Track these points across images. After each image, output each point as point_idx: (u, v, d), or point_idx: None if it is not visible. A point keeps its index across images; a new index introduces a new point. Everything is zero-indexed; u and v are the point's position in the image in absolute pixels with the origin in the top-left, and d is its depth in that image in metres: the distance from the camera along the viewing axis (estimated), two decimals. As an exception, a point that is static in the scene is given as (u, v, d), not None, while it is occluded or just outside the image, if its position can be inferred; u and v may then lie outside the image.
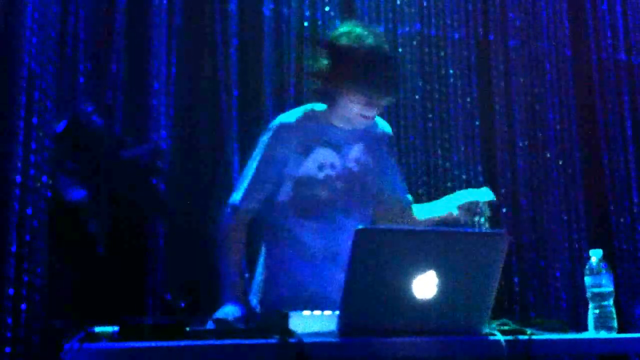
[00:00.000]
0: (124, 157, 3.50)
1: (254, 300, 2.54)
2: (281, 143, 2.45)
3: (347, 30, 2.42)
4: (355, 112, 2.39)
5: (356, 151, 2.52)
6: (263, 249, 2.57)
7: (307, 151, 2.46)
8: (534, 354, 1.81)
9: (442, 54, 4.38)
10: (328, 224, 2.43)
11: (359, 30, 2.40)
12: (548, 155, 4.50)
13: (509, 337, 1.83)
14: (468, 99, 4.39)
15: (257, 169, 2.46)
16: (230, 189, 3.75)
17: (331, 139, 2.48)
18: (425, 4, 4.38)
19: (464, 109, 4.37)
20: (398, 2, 4.32)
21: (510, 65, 4.51)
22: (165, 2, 3.82)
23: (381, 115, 2.58)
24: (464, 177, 4.31)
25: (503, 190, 4.39)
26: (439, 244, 1.79)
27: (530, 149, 4.48)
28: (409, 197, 2.68)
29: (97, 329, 1.69)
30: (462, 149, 4.33)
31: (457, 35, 4.42)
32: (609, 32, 4.72)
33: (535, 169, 4.47)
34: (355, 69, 2.32)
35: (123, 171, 3.49)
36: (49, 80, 3.45)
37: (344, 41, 2.38)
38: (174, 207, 3.67)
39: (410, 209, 2.66)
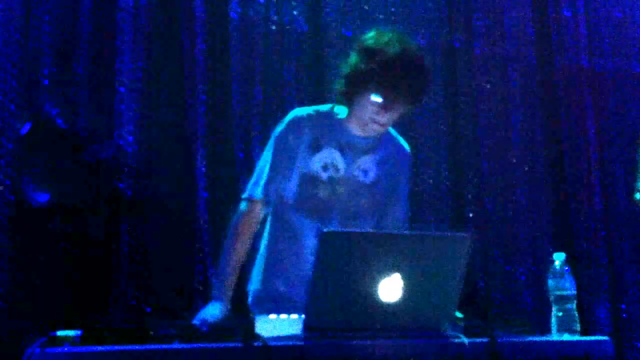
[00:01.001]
0: (88, 159, 3.47)
1: (251, 290, 2.55)
2: (293, 134, 2.45)
3: (378, 33, 2.44)
4: (370, 115, 2.37)
5: (366, 161, 2.50)
6: (265, 241, 2.57)
7: (315, 149, 2.46)
8: (497, 355, 1.82)
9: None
10: (326, 225, 2.43)
11: (390, 35, 2.41)
12: (513, 159, 4.54)
13: (473, 339, 1.84)
14: (434, 103, 4.41)
15: (273, 160, 2.46)
16: (196, 192, 3.77)
17: (341, 141, 2.47)
18: (392, 9, 4.41)
19: (430, 113, 4.40)
20: (365, 7, 4.34)
21: (475, 70, 4.55)
22: (131, 4, 3.79)
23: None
24: (430, 180, 4.33)
25: (469, 194, 4.42)
26: (404, 247, 1.80)
27: (495, 152, 4.52)
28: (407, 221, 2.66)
29: (59, 333, 1.67)
30: (428, 152, 4.36)
31: (423, 42, 4.45)
32: (572, 38, 4.79)
33: (500, 173, 4.51)
34: (376, 66, 2.31)
35: (87, 174, 3.46)
36: (12, 82, 3.41)
37: (371, 42, 2.40)
38: (139, 210, 3.64)
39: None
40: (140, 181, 3.65)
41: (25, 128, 3.27)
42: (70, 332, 1.69)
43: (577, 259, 4.43)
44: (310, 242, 2.43)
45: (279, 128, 2.50)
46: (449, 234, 1.90)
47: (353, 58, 2.43)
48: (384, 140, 2.54)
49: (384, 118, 2.38)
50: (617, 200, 4.67)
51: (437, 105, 4.42)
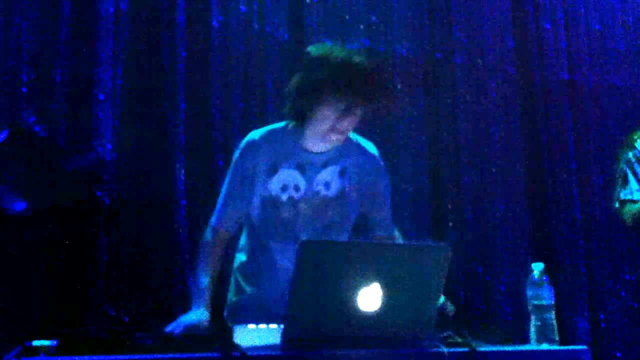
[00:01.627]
0: (66, 168, 3.45)
1: (227, 302, 2.54)
2: (248, 160, 2.42)
3: (319, 45, 2.45)
4: (330, 124, 2.33)
5: (327, 174, 2.46)
6: (241, 255, 2.56)
7: (272, 170, 2.43)
8: (477, 366, 1.82)
9: (390, 69, 4.42)
10: (291, 244, 2.39)
11: (329, 45, 2.43)
12: (492, 169, 4.56)
13: (452, 349, 1.84)
14: (414, 114, 4.43)
15: (229, 188, 2.45)
16: (175, 201, 3.75)
17: (299, 160, 2.43)
18: (374, 20, 4.42)
19: (411, 125, 4.41)
20: (347, 17, 4.35)
21: (456, 82, 4.58)
22: (112, 12, 3.78)
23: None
24: (410, 190, 4.34)
25: (449, 205, 4.43)
26: (383, 257, 1.80)
27: (475, 163, 4.54)
28: (395, 232, 2.62)
29: (35, 343, 1.65)
30: (409, 163, 4.37)
31: (404, 52, 4.47)
32: (552, 51, 4.83)
33: (480, 183, 4.53)
34: (327, 73, 2.28)
35: (65, 182, 3.43)
36: (-10, 89, 3.38)
37: (316, 52, 2.38)
38: (117, 219, 3.61)
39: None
40: (118, 189, 3.63)
41: (2, 136, 3.25)
42: (46, 342, 1.67)
43: (555, 269, 4.45)
44: (282, 263, 2.41)
45: (236, 154, 2.48)
46: (428, 244, 1.91)
47: (302, 72, 2.39)
48: (345, 149, 2.48)
49: (344, 124, 2.34)
50: (596, 211, 4.71)
51: (418, 116, 4.43)
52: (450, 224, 4.40)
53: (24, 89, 3.53)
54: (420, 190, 4.37)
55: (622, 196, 2.97)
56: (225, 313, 2.56)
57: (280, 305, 2.25)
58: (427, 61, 4.53)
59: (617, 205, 3.00)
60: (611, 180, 3.09)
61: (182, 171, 3.78)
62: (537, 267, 2.10)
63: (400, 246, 1.90)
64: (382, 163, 2.56)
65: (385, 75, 2.49)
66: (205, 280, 2.37)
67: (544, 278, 2.08)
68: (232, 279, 2.57)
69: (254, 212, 2.46)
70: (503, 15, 4.73)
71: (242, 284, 2.52)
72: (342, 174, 2.47)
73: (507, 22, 4.74)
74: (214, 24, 4.02)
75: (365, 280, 1.76)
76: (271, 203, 2.43)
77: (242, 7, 4.09)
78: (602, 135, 4.81)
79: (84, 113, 3.67)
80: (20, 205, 3.14)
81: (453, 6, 4.61)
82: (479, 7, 4.67)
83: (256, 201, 2.44)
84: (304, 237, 2.41)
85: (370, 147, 2.56)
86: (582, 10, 4.91)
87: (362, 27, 4.38)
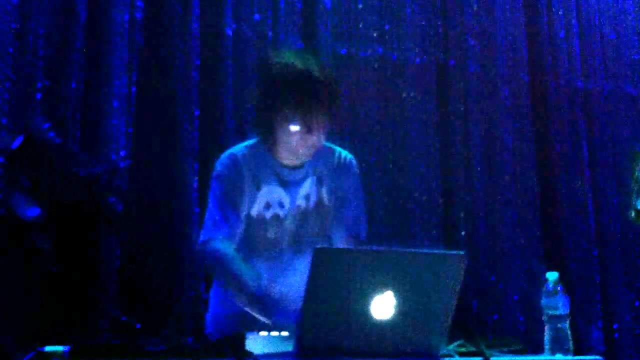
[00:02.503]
0: (81, 175, 3.46)
1: (210, 312, 2.50)
2: (235, 174, 2.36)
3: (276, 58, 2.37)
4: (297, 141, 2.29)
5: (306, 187, 2.41)
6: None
7: (256, 188, 2.37)
8: (490, 375, 1.81)
9: (403, 77, 4.42)
10: (277, 264, 2.37)
11: (287, 55, 2.35)
12: (505, 178, 4.55)
13: (466, 359, 1.83)
14: (427, 123, 4.42)
15: (224, 196, 2.36)
16: (188, 209, 3.75)
17: (280, 176, 2.39)
18: (387, 27, 4.42)
19: (423, 132, 4.40)
20: (360, 26, 4.35)
21: (469, 90, 4.57)
22: (126, 19, 3.80)
23: (333, 139, 2.46)
24: (423, 199, 4.33)
25: (461, 213, 4.42)
26: (397, 264, 1.79)
27: (488, 172, 4.52)
28: (362, 234, 2.48)
29: (48, 349, 1.65)
30: (421, 171, 4.36)
31: (417, 60, 4.46)
32: (566, 59, 4.81)
33: (493, 193, 4.51)
34: (284, 94, 2.24)
35: (79, 190, 3.44)
36: (5, 96, 3.40)
37: (272, 70, 2.32)
38: (131, 227, 3.62)
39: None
40: (131, 195, 3.64)
41: (17, 142, 3.26)
42: (59, 348, 1.67)
43: (570, 279, 4.42)
44: (262, 281, 2.32)
45: (218, 168, 2.41)
46: (443, 252, 1.89)
47: (259, 89, 2.37)
48: (318, 154, 2.41)
49: (311, 140, 2.30)
50: (610, 220, 4.68)
51: (430, 123, 4.43)
52: (463, 232, 4.38)
53: (39, 96, 3.55)
54: (432, 198, 4.36)
55: (638, 206, 2.94)
56: (208, 320, 2.50)
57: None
58: (440, 68, 4.53)
59: (632, 214, 2.98)
60: (626, 189, 3.06)
61: (196, 178, 3.79)
62: (552, 277, 2.09)
63: (415, 253, 1.89)
64: (353, 163, 2.49)
65: (335, 81, 2.38)
66: (249, 281, 2.24)
67: (559, 287, 2.07)
68: (214, 290, 2.50)
69: (239, 231, 2.37)
70: (517, 23, 4.72)
71: (227, 294, 2.41)
72: (319, 182, 2.43)
73: (521, 30, 4.73)
74: (228, 32, 4.03)
75: (379, 288, 1.75)
76: (255, 222, 2.37)
77: (256, 16, 4.10)
78: (616, 144, 4.78)
79: (98, 120, 3.68)
80: (33, 211, 3.15)
81: (466, 14, 4.60)
82: (493, 15, 4.66)
83: (242, 220, 2.37)
84: (286, 254, 2.37)
85: (342, 151, 2.50)
86: (597, 18, 4.89)
87: (375, 34, 4.38)
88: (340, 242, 2.44)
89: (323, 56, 4.14)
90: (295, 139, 2.30)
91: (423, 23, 4.50)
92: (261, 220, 2.38)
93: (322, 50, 4.19)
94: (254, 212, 2.37)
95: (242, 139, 3.86)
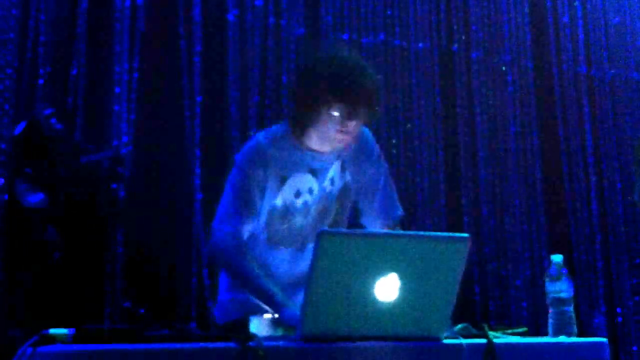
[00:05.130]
0: (83, 162, 3.45)
1: (218, 300, 2.49)
2: (260, 169, 2.32)
3: (323, 50, 2.41)
4: (335, 128, 2.27)
5: (332, 171, 2.41)
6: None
7: (282, 181, 2.35)
8: (494, 357, 1.80)
9: (406, 63, 4.41)
10: (297, 251, 2.36)
11: (334, 48, 2.38)
12: (509, 164, 4.54)
13: (470, 341, 1.82)
14: (431, 109, 4.41)
15: (242, 188, 2.32)
16: (190, 194, 3.75)
17: (310, 164, 2.37)
18: (390, 13, 4.40)
19: (427, 119, 4.39)
20: (363, 12, 4.34)
21: (472, 76, 4.55)
22: (128, 6, 3.79)
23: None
24: (426, 186, 4.32)
25: (465, 199, 4.41)
26: (401, 247, 1.78)
27: (492, 159, 4.51)
28: (398, 212, 2.49)
29: (52, 331, 1.65)
30: (425, 158, 4.35)
31: (421, 46, 4.45)
32: (570, 45, 4.79)
33: (497, 179, 4.51)
34: (332, 82, 2.23)
35: (82, 176, 3.44)
36: (7, 83, 3.39)
37: (320, 59, 2.33)
38: (134, 214, 3.62)
39: (398, 225, 2.49)
40: (134, 182, 3.64)
41: (19, 128, 3.25)
42: (63, 331, 1.67)
43: (573, 265, 4.42)
44: (277, 269, 2.33)
45: (243, 160, 2.36)
46: (447, 235, 1.88)
47: (301, 79, 2.37)
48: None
49: (350, 127, 2.29)
50: (613, 205, 4.67)
51: (434, 110, 4.42)
52: (466, 218, 4.38)
53: (41, 81, 3.55)
54: (436, 184, 4.35)
55: (641, 190, 2.94)
56: (215, 309, 2.49)
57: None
58: (443, 55, 4.51)
59: (636, 198, 2.97)
60: (630, 174, 3.05)
61: (198, 163, 3.78)
62: (556, 259, 2.08)
63: (419, 236, 1.88)
64: (376, 149, 2.49)
65: (376, 74, 2.40)
66: (269, 282, 2.22)
67: (563, 270, 2.06)
68: (222, 278, 2.47)
69: (259, 223, 2.36)
70: (521, 8, 4.70)
71: (240, 301, 2.36)
72: (343, 168, 2.43)
73: (525, 15, 4.71)
74: (230, 17, 4.01)
75: (383, 270, 1.75)
76: (282, 212, 2.36)
77: (258, 1, 4.08)
78: (619, 129, 4.77)
79: (101, 106, 3.68)
80: (36, 197, 3.15)
81: (470, -1, 4.59)
82: (496, 0, 4.64)
83: (263, 213, 2.35)
84: (310, 242, 2.35)
85: (365, 132, 2.48)
86: (600, 3, 4.87)
87: (378, 20, 4.36)
88: (384, 217, 2.45)
89: (326, 41, 4.14)
90: (334, 128, 2.28)
91: (426, 9, 4.49)
92: (291, 209, 2.37)
93: (325, 36, 4.18)
94: (280, 201, 2.35)
95: (244, 125, 3.92)
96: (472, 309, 4.20)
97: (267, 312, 2.13)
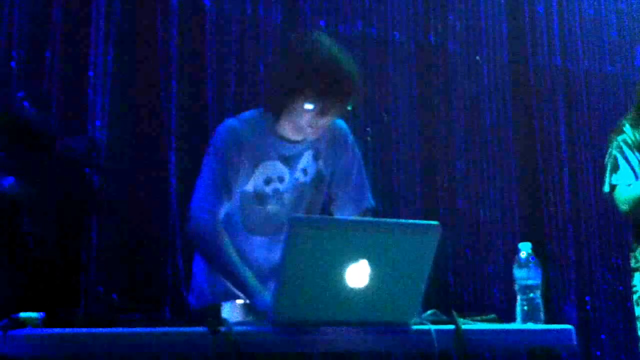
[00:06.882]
0: (57, 148, 3.43)
1: (194, 287, 2.49)
2: (234, 150, 2.33)
3: (306, 40, 2.36)
4: (307, 120, 2.29)
5: (304, 161, 2.42)
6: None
7: (255, 164, 2.36)
8: (463, 343, 1.83)
9: (383, 54, 4.41)
10: (274, 237, 2.36)
11: (318, 39, 2.34)
12: (485, 156, 4.57)
13: (438, 327, 1.85)
14: (407, 99, 4.43)
15: (219, 173, 2.32)
16: (166, 182, 3.74)
17: (280, 151, 2.38)
18: (367, 3, 4.41)
19: (403, 109, 4.41)
20: (340, 1, 4.34)
21: (449, 68, 4.57)
22: (104, -9, 3.76)
23: None
24: (402, 177, 4.34)
25: (440, 191, 4.44)
26: (372, 234, 1.80)
27: (468, 151, 4.54)
28: (367, 204, 2.52)
29: (22, 315, 1.65)
30: (401, 149, 4.37)
31: (397, 36, 4.46)
32: (545, 37, 4.83)
33: (473, 171, 4.54)
34: (310, 76, 2.23)
35: (56, 163, 3.42)
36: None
37: (302, 49, 2.31)
38: (108, 201, 3.60)
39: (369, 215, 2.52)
40: (110, 172, 3.62)
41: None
42: (33, 314, 1.67)
43: (546, 256, 4.47)
44: (255, 255, 2.34)
45: (217, 140, 2.37)
46: (418, 222, 1.90)
47: (283, 65, 2.35)
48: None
49: (321, 122, 2.31)
50: (585, 197, 4.73)
51: (410, 102, 4.43)
52: (442, 209, 4.41)
53: (13, 64, 3.51)
54: (412, 176, 4.37)
55: (613, 181, 2.98)
56: (190, 297, 2.49)
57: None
58: (420, 46, 4.52)
59: (607, 190, 3.01)
60: (602, 165, 3.09)
61: (173, 152, 3.77)
62: (525, 247, 2.11)
63: (390, 223, 1.90)
64: (350, 137, 2.50)
65: (358, 75, 2.39)
66: (244, 268, 2.22)
67: (531, 258, 2.09)
68: (196, 264, 2.48)
69: (233, 207, 2.36)
70: (497, 1, 4.73)
71: (216, 288, 2.36)
72: (316, 157, 2.44)
73: (501, 7, 4.74)
74: (206, 2, 4.00)
75: (354, 256, 1.76)
76: (254, 198, 2.37)
77: (236, -11, 4.07)
78: (594, 122, 4.83)
79: (76, 92, 3.65)
80: (7, 180, 3.12)
81: (448, -9, 4.60)
82: (474, -8, 4.67)
83: (236, 196, 2.36)
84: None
85: (339, 122, 2.49)
86: (575, -6, 4.92)
87: (354, 9, 4.36)
88: (356, 206, 2.48)
89: (304, 30, 4.13)
90: (306, 119, 2.29)
91: (404, 0, 4.50)
92: (261, 195, 2.37)
93: (303, 25, 4.18)
94: (250, 187, 2.36)
95: (221, 114, 3.91)
96: (447, 298, 4.23)
97: (240, 297, 2.14)
